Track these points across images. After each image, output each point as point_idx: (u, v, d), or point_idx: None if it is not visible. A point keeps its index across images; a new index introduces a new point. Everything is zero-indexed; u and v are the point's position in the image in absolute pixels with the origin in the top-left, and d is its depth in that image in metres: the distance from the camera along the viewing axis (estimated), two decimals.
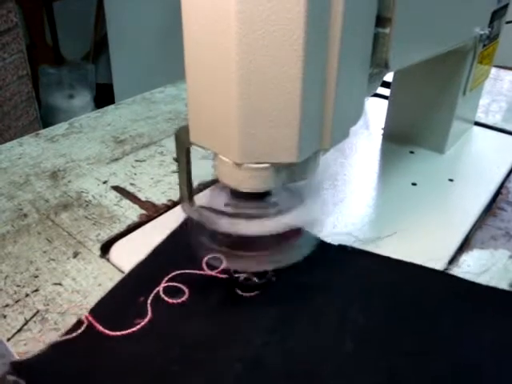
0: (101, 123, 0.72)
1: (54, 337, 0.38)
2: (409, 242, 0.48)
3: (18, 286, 0.43)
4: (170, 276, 0.42)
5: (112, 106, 0.78)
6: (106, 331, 0.37)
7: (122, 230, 0.50)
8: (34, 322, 0.40)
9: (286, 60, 0.30)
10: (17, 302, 0.41)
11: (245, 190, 0.35)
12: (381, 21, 0.36)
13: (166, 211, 0.53)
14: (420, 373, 0.36)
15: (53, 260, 0.46)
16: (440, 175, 0.60)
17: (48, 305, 0.41)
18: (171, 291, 0.40)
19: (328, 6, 0.30)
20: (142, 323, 0.38)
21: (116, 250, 0.47)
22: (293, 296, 0.41)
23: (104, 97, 2.19)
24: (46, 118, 2.02)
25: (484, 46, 0.59)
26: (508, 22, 0.63)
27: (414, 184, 0.58)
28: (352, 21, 0.31)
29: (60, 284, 0.43)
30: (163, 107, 0.77)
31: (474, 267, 0.46)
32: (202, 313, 0.40)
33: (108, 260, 0.46)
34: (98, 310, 0.39)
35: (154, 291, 0.40)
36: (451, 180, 0.59)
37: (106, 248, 0.48)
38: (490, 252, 0.48)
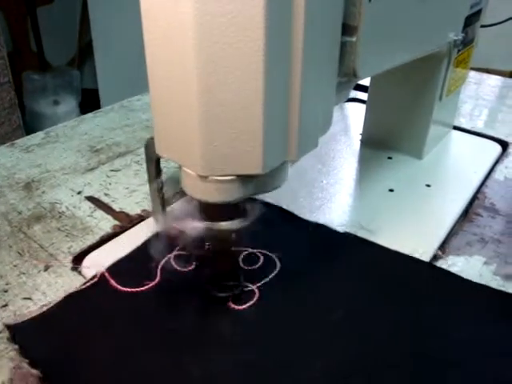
0: (77, 132, 0.71)
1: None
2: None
3: None
4: (181, 246, 0.46)
5: (90, 115, 0.77)
6: (118, 286, 0.42)
7: (94, 241, 0.49)
8: (1, 338, 0.39)
9: (247, 72, 0.29)
10: None
11: (211, 202, 0.35)
12: (347, 29, 0.36)
13: (139, 222, 0.52)
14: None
15: (23, 274, 0.45)
16: (417, 181, 0.60)
17: (17, 320, 0.40)
18: (182, 260, 0.45)
19: (289, 15, 0.29)
20: (151, 284, 0.43)
21: (88, 263, 0.47)
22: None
23: (90, 102, 2.18)
24: (31, 124, 2.01)
25: (459, 51, 0.59)
26: (483, 26, 0.63)
27: (391, 190, 0.58)
28: (315, 30, 0.31)
29: (30, 298, 0.43)
30: (141, 115, 0.77)
31: None
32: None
33: (80, 273, 0.45)
34: (113, 269, 0.44)
35: (165, 258, 0.45)
36: (428, 186, 0.59)
37: (78, 260, 0.47)
38: (465, 258, 0.48)
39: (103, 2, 2.02)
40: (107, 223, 0.52)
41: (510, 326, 0.41)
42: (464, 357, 0.38)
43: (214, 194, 0.34)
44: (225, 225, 0.37)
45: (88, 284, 0.43)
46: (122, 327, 0.40)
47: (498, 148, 0.69)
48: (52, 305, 0.41)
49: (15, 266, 0.46)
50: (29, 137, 0.70)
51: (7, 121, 1.56)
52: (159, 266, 0.44)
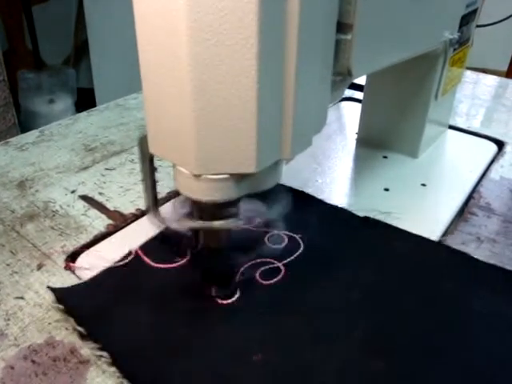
0: (72, 131, 0.71)
1: (12, 353, 0.37)
2: None
3: None
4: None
5: (84, 113, 0.76)
6: (151, 263, 0.45)
7: (88, 240, 0.49)
8: None
9: (240, 70, 0.29)
10: None
11: (205, 201, 0.35)
12: (342, 27, 0.36)
13: (133, 221, 0.52)
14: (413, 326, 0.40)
15: (16, 273, 0.45)
16: (413, 180, 0.60)
17: (9, 319, 0.40)
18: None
19: (283, 13, 0.29)
20: (182, 262, 0.45)
21: (81, 262, 0.46)
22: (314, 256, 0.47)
23: (85, 101, 2.17)
24: (26, 123, 2.00)
25: (454, 50, 0.59)
26: (479, 26, 0.63)
27: (386, 189, 0.58)
28: (309, 27, 0.31)
29: (22, 298, 0.42)
30: (136, 114, 0.76)
31: None
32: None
33: (73, 272, 0.45)
34: (145, 247, 0.46)
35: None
36: (424, 185, 0.59)
37: (71, 259, 0.47)
38: None
39: (99, 1, 2.01)
40: (101, 222, 0.52)
41: None
42: (477, 332, 0.40)
43: (208, 193, 0.34)
44: (218, 224, 0.36)
45: (122, 262, 0.45)
46: (155, 298, 0.42)
47: (493, 147, 0.69)
48: (91, 277, 0.44)
49: (8, 264, 0.46)
50: (23, 135, 0.70)
51: (2, 119, 1.55)
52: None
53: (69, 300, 0.41)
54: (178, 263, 0.45)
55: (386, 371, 0.36)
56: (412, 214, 0.54)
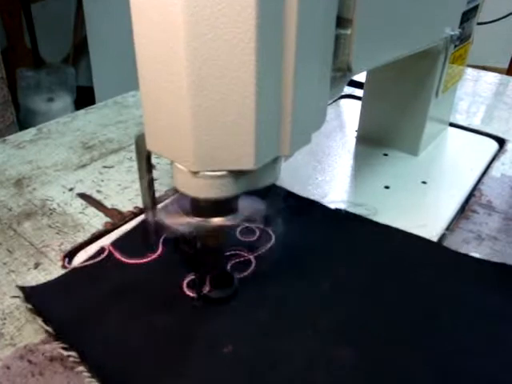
0: (70, 128, 0.70)
1: (9, 352, 0.37)
2: None
3: None
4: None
5: (82, 111, 0.76)
6: (123, 259, 0.45)
7: (85, 238, 0.48)
8: None
9: (238, 65, 0.28)
10: None
11: (203, 198, 0.34)
12: (341, 22, 0.35)
13: (131, 219, 0.51)
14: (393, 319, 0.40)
15: (12, 271, 0.44)
16: (413, 178, 0.60)
17: (5, 319, 0.40)
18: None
19: (281, 7, 0.29)
20: (153, 256, 0.45)
21: (78, 260, 0.46)
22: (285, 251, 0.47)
23: (85, 100, 2.17)
24: (25, 121, 1.99)
25: (455, 46, 0.58)
26: (479, 24, 0.63)
27: (386, 187, 0.58)
28: (308, 22, 0.30)
29: (19, 297, 0.42)
30: (135, 111, 0.76)
31: None
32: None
33: None
34: (117, 243, 0.47)
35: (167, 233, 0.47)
36: (424, 182, 0.59)
37: (68, 258, 0.46)
38: None
39: None
40: (99, 220, 0.51)
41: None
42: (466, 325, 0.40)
43: (206, 190, 0.33)
44: (216, 221, 0.36)
45: (97, 259, 0.45)
46: (128, 293, 0.42)
47: (494, 145, 0.69)
48: (61, 274, 0.44)
49: (5, 263, 0.45)
50: (21, 133, 0.69)
51: (0, 118, 1.55)
52: (161, 239, 0.47)
53: (37, 299, 0.41)
54: (149, 258, 0.45)
55: (356, 360, 0.36)
56: (412, 211, 0.54)
